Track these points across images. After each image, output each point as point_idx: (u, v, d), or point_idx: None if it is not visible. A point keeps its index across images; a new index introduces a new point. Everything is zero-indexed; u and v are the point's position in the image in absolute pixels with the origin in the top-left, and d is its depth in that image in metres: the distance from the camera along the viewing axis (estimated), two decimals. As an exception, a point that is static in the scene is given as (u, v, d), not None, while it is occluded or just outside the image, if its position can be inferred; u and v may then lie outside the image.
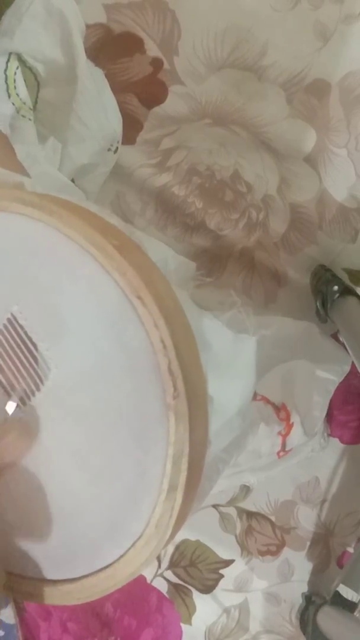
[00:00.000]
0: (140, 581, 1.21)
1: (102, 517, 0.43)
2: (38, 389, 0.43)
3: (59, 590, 0.44)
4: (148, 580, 1.22)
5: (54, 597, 0.45)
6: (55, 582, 0.45)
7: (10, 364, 0.43)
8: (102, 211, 0.46)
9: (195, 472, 0.41)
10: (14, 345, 0.43)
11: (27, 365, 0.43)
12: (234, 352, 0.55)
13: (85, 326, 0.42)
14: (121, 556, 0.42)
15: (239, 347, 0.56)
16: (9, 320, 0.44)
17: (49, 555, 0.45)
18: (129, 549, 0.41)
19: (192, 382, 0.39)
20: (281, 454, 0.96)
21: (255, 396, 0.92)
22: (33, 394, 0.43)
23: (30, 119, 0.94)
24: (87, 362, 0.42)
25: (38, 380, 0.43)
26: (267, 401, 0.93)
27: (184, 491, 0.40)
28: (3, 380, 0.44)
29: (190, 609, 1.23)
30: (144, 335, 0.39)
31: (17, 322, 0.43)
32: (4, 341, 0.44)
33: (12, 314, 0.43)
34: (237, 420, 0.58)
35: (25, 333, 0.43)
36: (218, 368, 0.52)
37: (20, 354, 0.43)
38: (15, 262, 0.44)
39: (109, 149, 1.08)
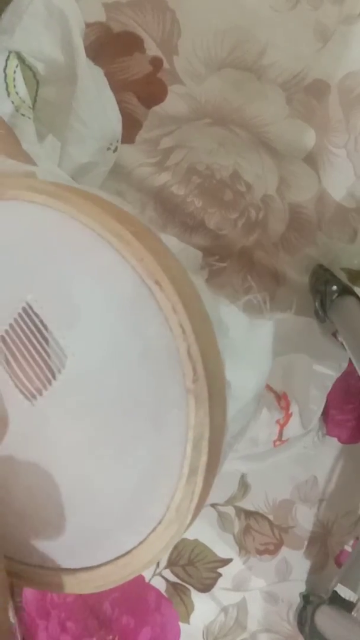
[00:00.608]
0: (138, 580, 1.21)
1: (119, 504, 0.43)
2: (54, 377, 0.43)
3: (77, 579, 0.44)
4: (146, 580, 1.22)
5: (72, 585, 0.44)
6: (73, 570, 0.45)
7: (26, 352, 0.43)
8: (114, 199, 0.46)
9: (215, 455, 0.41)
10: (30, 334, 0.43)
11: (44, 353, 0.43)
12: (250, 337, 0.55)
13: (102, 313, 0.41)
14: (140, 542, 0.42)
15: (255, 332, 0.56)
16: (24, 309, 0.43)
17: (66, 545, 0.45)
18: (149, 534, 0.41)
19: (211, 366, 0.39)
20: (277, 443, 0.97)
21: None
22: (50, 383, 0.43)
23: (29, 118, 0.94)
24: (104, 350, 0.41)
25: (55, 369, 0.43)
26: (270, 388, 0.94)
27: (204, 475, 0.40)
28: (20, 370, 0.44)
29: (189, 608, 1.23)
30: (162, 320, 0.39)
31: (33, 310, 0.43)
32: (19, 330, 0.43)
33: (27, 303, 0.43)
34: (253, 406, 0.58)
35: (41, 321, 0.43)
36: (234, 353, 0.52)
37: (37, 343, 0.43)
38: (29, 250, 0.44)
39: (109, 148, 1.08)
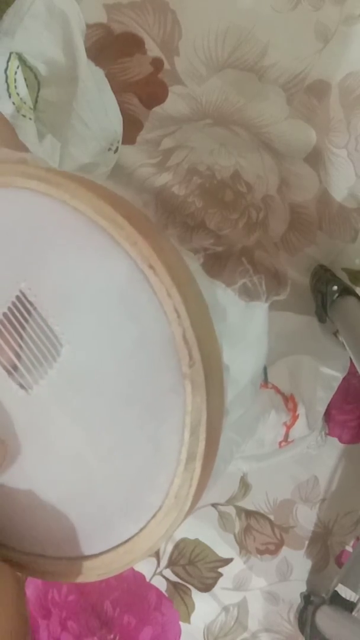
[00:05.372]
0: (139, 579, 1.21)
1: (118, 493, 0.42)
2: (51, 366, 0.42)
3: (80, 567, 0.43)
4: (147, 579, 1.22)
5: (74, 574, 0.43)
6: (75, 559, 0.44)
7: (21, 342, 0.43)
8: (108, 183, 0.46)
9: (213, 441, 0.40)
10: (25, 323, 0.43)
11: (39, 342, 0.42)
12: (246, 320, 0.55)
13: (96, 299, 0.41)
14: (141, 530, 0.41)
15: (251, 315, 0.56)
16: (17, 297, 0.43)
17: (67, 534, 0.44)
18: (149, 521, 0.41)
19: (207, 351, 0.39)
20: (283, 444, 0.97)
21: (267, 384, 0.92)
22: (46, 372, 0.42)
23: (30, 119, 0.94)
24: (100, 337, 0.41)
25: (50, 358, 0.42)
26: (278, 390, 0.94)
27: (202, 460, 0.39)
28: (15, 359, 0.43)
29: (189, 608, 1.23)
30: (157, 305, 0.38)
31: (27, 298, 0.42)
32: (13, 319, 0.43)
33: (20, 291, 0.42)
34: (250, 389, 0.57)
35: (35, 309, 0.42)
36: (231, 337, 0.52)
37: (32, 332, 0.42)
38: (22, 238, 0.43)
39: (110, 149, 1.09)
